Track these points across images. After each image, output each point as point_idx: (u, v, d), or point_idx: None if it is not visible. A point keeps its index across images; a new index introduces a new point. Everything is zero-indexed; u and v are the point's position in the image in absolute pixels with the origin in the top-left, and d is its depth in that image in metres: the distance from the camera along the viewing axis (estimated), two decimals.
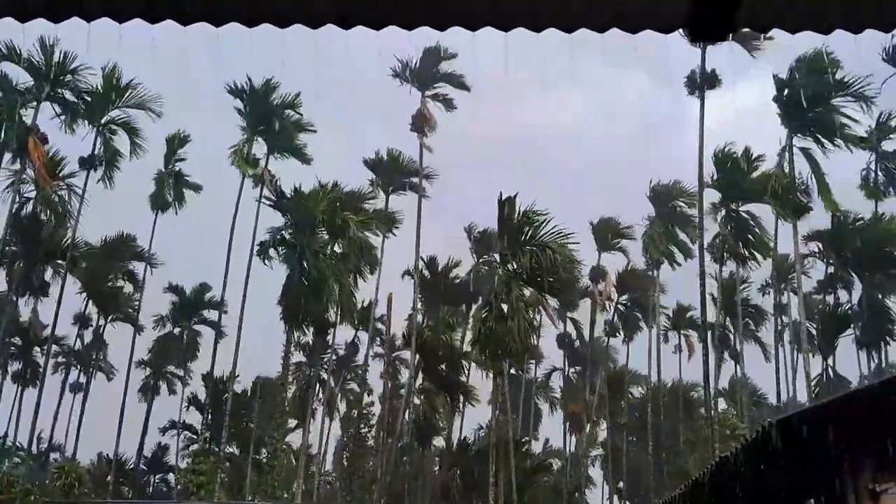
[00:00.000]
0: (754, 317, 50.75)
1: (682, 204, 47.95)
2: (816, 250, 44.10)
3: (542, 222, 34.00)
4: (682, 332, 55.53)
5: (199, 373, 53.48)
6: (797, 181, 37.51)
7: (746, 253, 42.13)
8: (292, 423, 48.51)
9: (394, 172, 47.45)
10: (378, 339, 51.32)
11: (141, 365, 51.69)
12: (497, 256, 36.66)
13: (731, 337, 49.04)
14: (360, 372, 53.99)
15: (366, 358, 50.29)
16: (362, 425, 48.66)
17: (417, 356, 41.31)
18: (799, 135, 37.55)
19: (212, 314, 51.18)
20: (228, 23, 3.63)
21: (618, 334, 56.26)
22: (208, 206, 48.39)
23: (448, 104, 44.92)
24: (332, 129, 66.05)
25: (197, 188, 46.36)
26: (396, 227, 46.72)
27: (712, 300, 47.36)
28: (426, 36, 3.76)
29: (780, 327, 46.78)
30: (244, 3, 3.64)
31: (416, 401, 43.09)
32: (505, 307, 33.33)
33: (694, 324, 55.16)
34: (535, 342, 54.22)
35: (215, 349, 47.20)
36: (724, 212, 41.28)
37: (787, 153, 37.67)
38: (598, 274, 52.85)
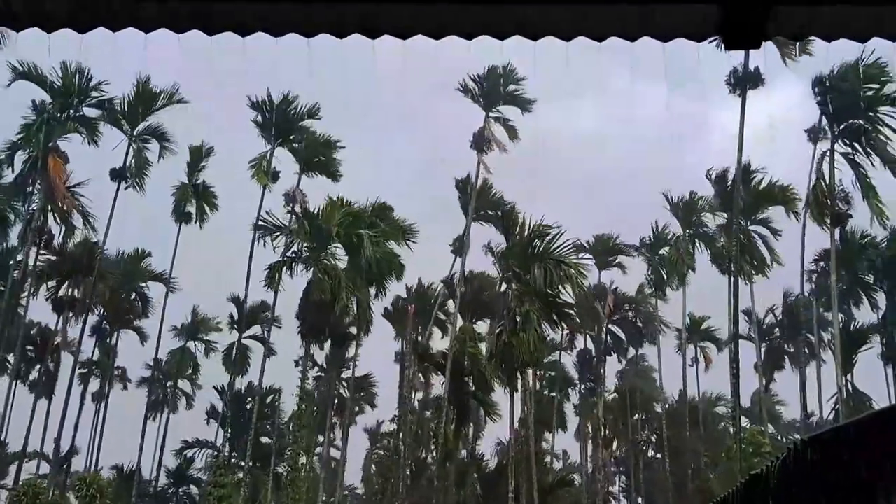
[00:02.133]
0: (785, 331, 50.12)
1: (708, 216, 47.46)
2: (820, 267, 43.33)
3: (554, 237, 33.91)
4: (697, 344, 54.97)
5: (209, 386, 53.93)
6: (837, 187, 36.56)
7: (748, 268, 41.74)
8: (320, 437, 48.46)
9: (481, 201, 45.25)
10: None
11: (157, 379, 51.90)
12: (502, 269, 36.41)
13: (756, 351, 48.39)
14: (374, 387, 54.15)
15: (401, 373, 49.83)
16: (391, 438, 48.51)
17: (437, 369, 41.23)
18: (840, 141, 36.51)
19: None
20: (253, 33, 3.60)
21: (612, 353, 55.78)
22: (238, 220, 48.53)
23: (512, 132, 44.00)
24: (354, 141, 65.95)
25: (212, 205, 45.93)
26: (413, 241, 45.71)
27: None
28: (453, 46, 3.71)
29: (816, 342, 46.00)
30: (270, 13, 3.60)
31: (437, 414, 42.93)
32: (519, 321, 33.25)
33: (710, 336, 54.84)
34: (559, 357, 54.16)
35: (236, 363, 47.50)
36: (725, 226, 40.88)
37: (826, 159, 36.38)
38: (600, 291, 52.29)
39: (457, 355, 38.23)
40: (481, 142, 43.84)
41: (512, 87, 43.17)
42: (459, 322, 43.19)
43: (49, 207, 40.80)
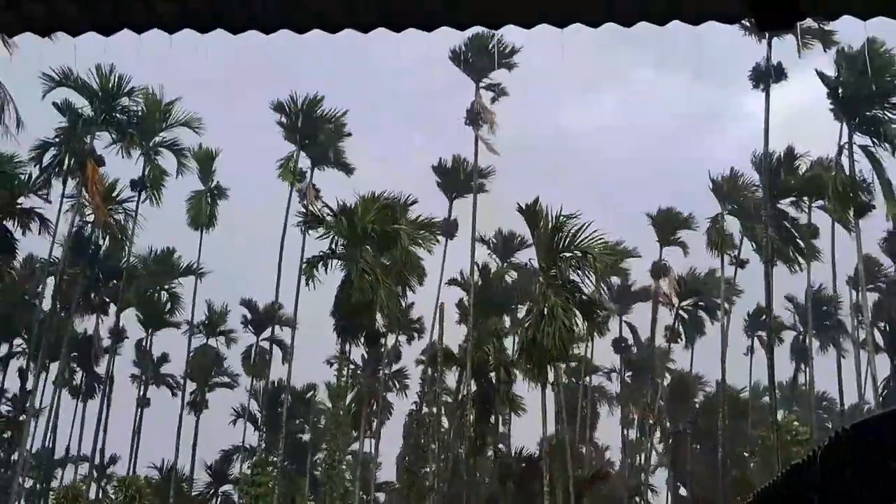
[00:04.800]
0: (830, 321, 48.88)
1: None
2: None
3: (581, 227, 33.45)
4: (756, 334, 52.97)
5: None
6: (858, 178, 35.89)
7: (794, 255, 40.81)
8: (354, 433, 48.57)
9: (455, 179, 45.85)
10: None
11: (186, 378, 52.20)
12: (535, 264, 36.04)
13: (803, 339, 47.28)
14: (407, 381, 54.15)
15: (427, 369, 49.69)
16: (421, 435, 48.47)
17: (460, 366, 41.11)
18: (858, 133, 35.87)
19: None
20: (277, 30, 3.57)
21: (679, 340, 53.59)
22: (264, 220, 48.81)
23: (501, 92, 42.90)
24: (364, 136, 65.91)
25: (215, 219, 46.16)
26: (439, 234, 45.40)
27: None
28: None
29: (855, 331, 44.90)
30: (292, 10, 3.56)
31: (466, 411, 42.80)
32: (545, 314, 32.97)
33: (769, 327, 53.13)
34: (590, 348, 53.20)
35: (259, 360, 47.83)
36: (769, 213, 40.05)
37: (846, 150, 35.83)
38: (659, 269, 49.11)
39: (475, 352, 38.15)
40: (474, 116, 42.68)
41: (496, 51, 41.92)
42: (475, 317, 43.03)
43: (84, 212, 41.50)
